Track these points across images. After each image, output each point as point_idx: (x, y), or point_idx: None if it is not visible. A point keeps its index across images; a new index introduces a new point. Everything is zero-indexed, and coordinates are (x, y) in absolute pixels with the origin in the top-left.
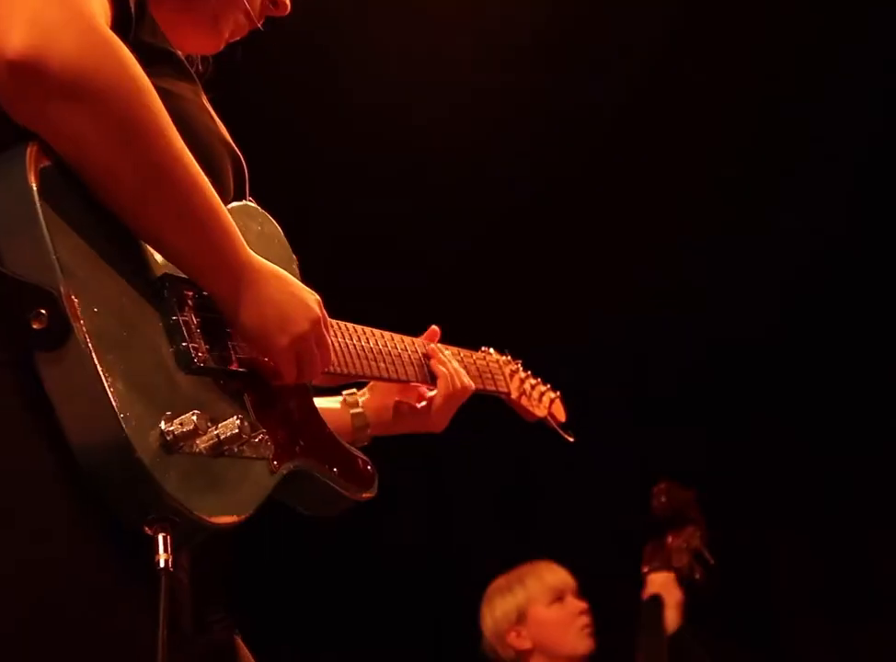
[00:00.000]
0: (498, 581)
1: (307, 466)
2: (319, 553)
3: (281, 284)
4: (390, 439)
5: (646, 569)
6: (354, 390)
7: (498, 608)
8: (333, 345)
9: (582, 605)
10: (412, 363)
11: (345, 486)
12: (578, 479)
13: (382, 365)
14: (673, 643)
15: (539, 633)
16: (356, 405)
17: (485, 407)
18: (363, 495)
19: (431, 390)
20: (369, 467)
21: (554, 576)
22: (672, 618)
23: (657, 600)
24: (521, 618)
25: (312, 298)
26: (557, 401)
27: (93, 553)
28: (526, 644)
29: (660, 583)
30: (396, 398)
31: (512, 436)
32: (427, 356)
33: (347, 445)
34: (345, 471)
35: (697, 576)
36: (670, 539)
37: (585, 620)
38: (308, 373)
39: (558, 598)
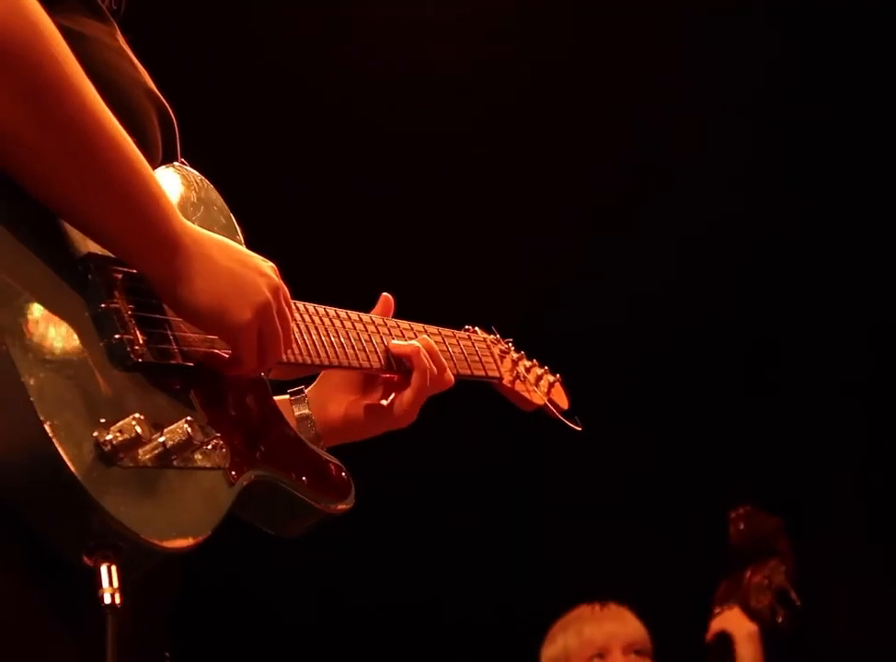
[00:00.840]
0: (555, 624)
1: (271, 475)
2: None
3: (229, 252)
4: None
5: (718, 610)
6: (301, 388)
7: (544, 655)
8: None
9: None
10: (375, 348)
11: (316, 498)
12: (629, 494)
13: (349, 351)
14: None
15: None
16: (303, 406)
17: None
18: (338, 506)
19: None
20: (343, 474)
21: (595, 629)
22: (745, 655)
23: (725, 640)
24: None
25: (266, 265)
26: (558, 385)
27: (17, 588)
28: None
29: (731, 620)
30: (352, 396)
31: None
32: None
33: (316, 448)
34: (316, 479)
35: (780, 620)
36: (748, 574)
37: None
38: (271, 356)
39: (599, 654)
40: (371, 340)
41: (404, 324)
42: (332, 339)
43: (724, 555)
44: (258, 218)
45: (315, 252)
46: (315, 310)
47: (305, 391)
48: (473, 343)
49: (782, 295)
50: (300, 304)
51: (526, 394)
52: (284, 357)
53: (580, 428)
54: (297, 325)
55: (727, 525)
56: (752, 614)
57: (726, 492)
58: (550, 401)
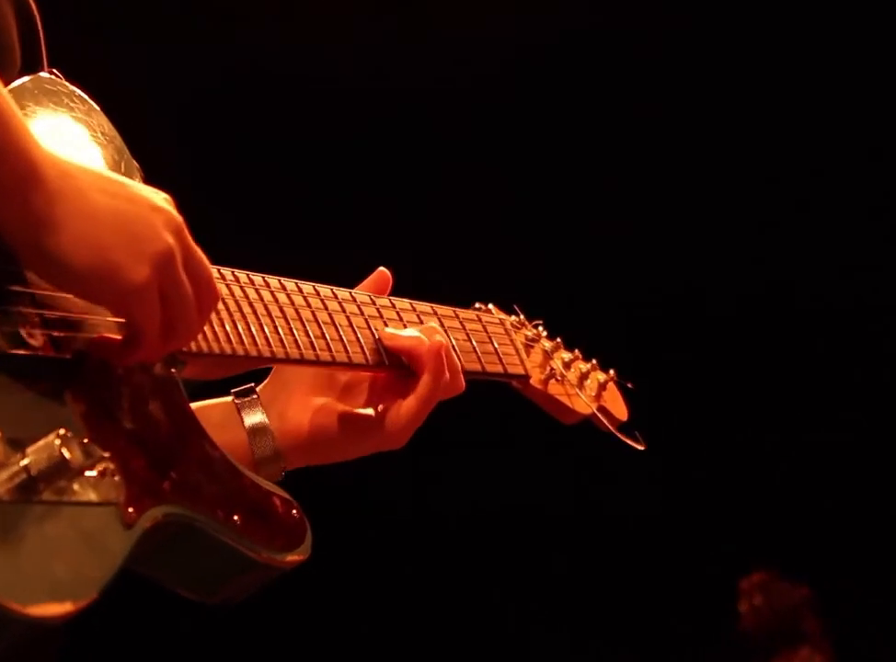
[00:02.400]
0: None
1: (186, 514)
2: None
3: (111, 186)
4: None
5: None
6: (251, 386)
7: None
8: (223, 305)
9: None
10: (356, 335)
11: (254, 545)
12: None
13: (315, 340)
14: None
15: None
16: (258, 412)
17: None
18: (287, 557)
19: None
20: (294, 511)
21: None
22: None
23: None
24: None
25: (159, 197)
26: (612, 386)
27: None
28: None
29: None
30: (320, 398)
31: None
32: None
33: (253, 476)
34: (253, 519)
35: None
36: None
37: None
38: (181, 328)
39: None
40: (350, 324)
41: (402, 302)
42: (289, 323)
43: (732, 641)
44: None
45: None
46: (266, 282)
47: (257, 390)
48: (484, 326)
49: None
50: (241, 274)
51: (565, 400)
52: (207, 344)
53: (642, 447)
54: (232, 302)
55: (736, 599)
56: None
57: (735, 553)
58: (601, 409)
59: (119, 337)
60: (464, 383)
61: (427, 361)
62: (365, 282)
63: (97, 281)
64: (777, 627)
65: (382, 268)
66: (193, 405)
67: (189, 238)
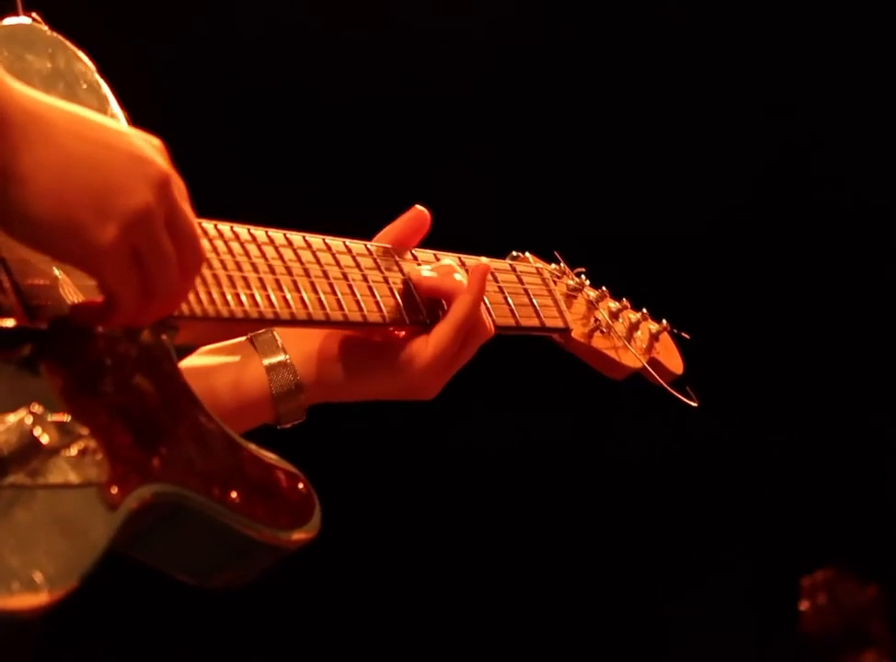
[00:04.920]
0: None
1: (177, 492)
2: None
3: (87, 129)
4: None
5: None
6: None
7: None
8: (220, 263)
9: None
10: (389, 291)
11: (254, 524)
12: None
13: (321, 297)
14: None
15: None
16: (276, 349)
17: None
18: (293, 535)
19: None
20: (300, 485)
21: None
22: None
23: None
24: None
25: (148, 145)
26: (665, 337)
27: None
28: None
29: None
30: (344, 333)
31: None
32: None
33: (252, 448)
34: (253, 495)
35: None
36: None
37: None
38: (161, 292)
39: None
40: (365, 280)
41: (425, 254)
42: (294, 281)
43: (795, 643)
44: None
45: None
46: (270, 238)
47: (275, 331)
48: (519, 276)
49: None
50: (241, 229)
51: (612, 354)
52: (201, 307)
53: (695, 404)
54: (230, 260)
55: (799, 598)
56: None
57: (800, 550)
58: (653, 362)
59: (98, 301)
60: (492, 326)
61: (470, 282)
62: (397, 223)
63: (62, 240)
64: (842, 629)
65: (418, 206)
66: (207, 348)
67: (175, 193)
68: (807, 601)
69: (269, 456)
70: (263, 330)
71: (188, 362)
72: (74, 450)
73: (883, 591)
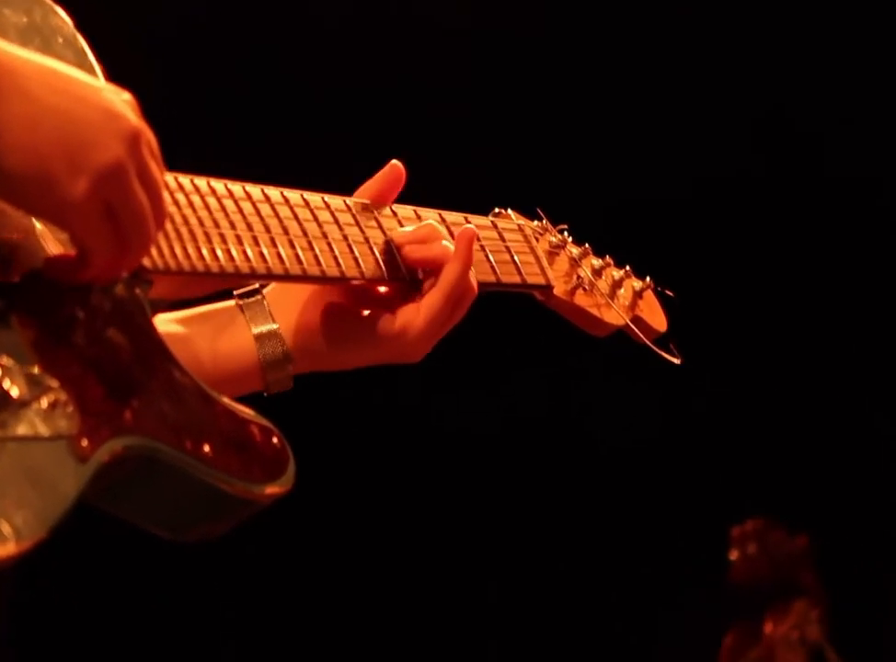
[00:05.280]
0: None
1: (148, 445)
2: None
3: (58, 82)
4: None
5: None
6: (255, 287)
7: None
8: (197, 219)
9: None
10: (350, 247)
11: (228, 477)
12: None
13: (298, 252)
14: None
15: None
16: (265, 318)
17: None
18: (267, 489)
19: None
20: (275, 439)
21: None
22: None
23: None
24: None
25: (119, 99)
26: (649, 294)
27: None
28: None
29: None
30: (332, 300)
31: None
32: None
33: (227, 402)
34: (226, 449)
35: None
36: (770, 625)
37: None
38: (135, 246)
39: None
40: (344, 237)
41: (405, 210)
42: (271, 236)
43: (725, 594)
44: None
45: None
46: (247, 193)
47: (263, 291)
48: (501, 233)
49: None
50: (218, 184)
51: (595, 311)
52: (176, 262)
53: (678, 361)
54: (207, 215)
55: (728, 548)
56: None
57: (728, 500)
58: (636, 320)
59: (71, 255)
60: (474, 287)
61: (457, 249)
62: (374, 179)
63: (34, 193)
64: (772, 578)
65: (395, 162)
66: (192, 311)
67: (145, 149)
68: (736, 551)
69: (243, 410)
70: (252, 298)
71: (174, 328)
72: (44, 403)
73: (813, 541)
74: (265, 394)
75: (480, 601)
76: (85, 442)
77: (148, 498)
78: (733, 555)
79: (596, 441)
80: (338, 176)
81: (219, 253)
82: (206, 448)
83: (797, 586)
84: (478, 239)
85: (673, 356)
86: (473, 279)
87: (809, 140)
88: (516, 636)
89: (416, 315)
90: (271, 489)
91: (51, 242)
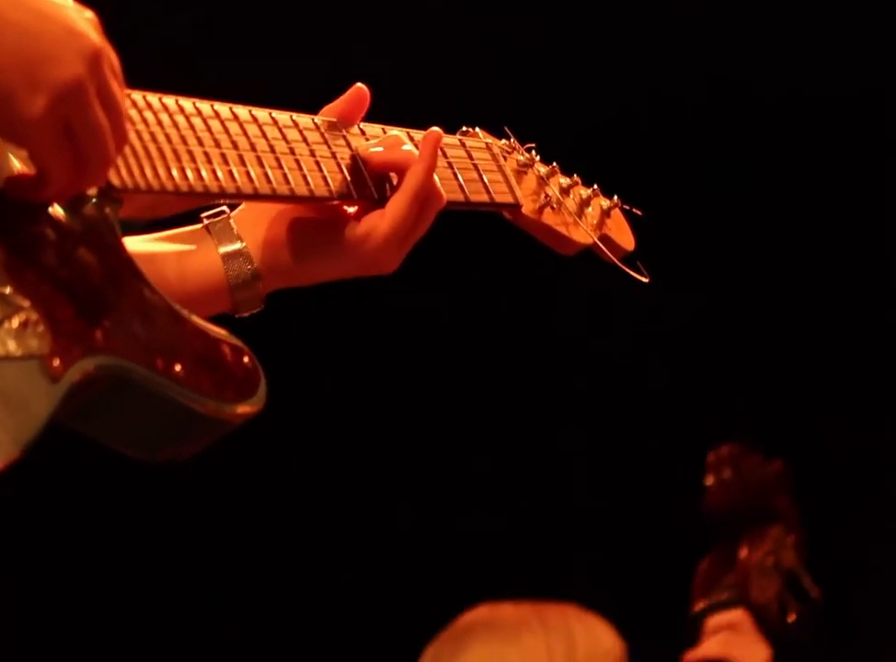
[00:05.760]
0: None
1: (119, 364)
2: None
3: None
4: None
5: (700, 607)
6: (223, 210)
7: (503, 647)
8: (165, 137)
9: None
10: (337, 166)
11: (199, 397)
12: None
13: (267, 171)
14: None
15: None
16: (232, 237)
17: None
18: (238, 408)
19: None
20: (246, 359)
21: (617, 650)
22: None
23: None
24: None
25: (81, 17)
26: (617, 213)
27: None
28: None
29: (729, 634)
30: (299, 216)
31: None
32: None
33: (197, 321)
34: (197, 368)
35: (792, 621)
36: (744, 551)
37: None
38: (94, 164)
39: None
40: (313, 154)
41: (372, 128)
42: (240, 155)
43: (700, 520)
44: None
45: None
46: (215, 112)
47: (229, 213)
48: (469, 152)
49: None
50: (186, 102)
51: (563, 230)
52: (145, 181)
53: (646, 280)
54: (175, 133)
55: (703, 474)
56: (755, 612)
57: (703, 425)
58: (604, 238)
59: (30, 174)
60: (444, 196)
61: (422, 151)
62: (339, 101)
63: None
64: (747, 504)
65: (359, 85)
66: (162, 234)
67: (106, 68)
68: (711, 476)
69: (215, 330)
70: (219, 218)
71: (142, 248)
72: (15, 323)
73: (788, 466)
74: (235, 316)
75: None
76: (56, 362)
77: (119, 418)
78: (708, 481)
79: (570, 363)
80: (311, 99)
81: (188, 172)
82: (177, 367)
83: (772, 511)
84: (445, 155)
85: (641, 275)
86: (440, 186)
87: (781, 55)
88: (488, 556)
89: (380, 220)
90: (243, 409)
91: (21, 160)
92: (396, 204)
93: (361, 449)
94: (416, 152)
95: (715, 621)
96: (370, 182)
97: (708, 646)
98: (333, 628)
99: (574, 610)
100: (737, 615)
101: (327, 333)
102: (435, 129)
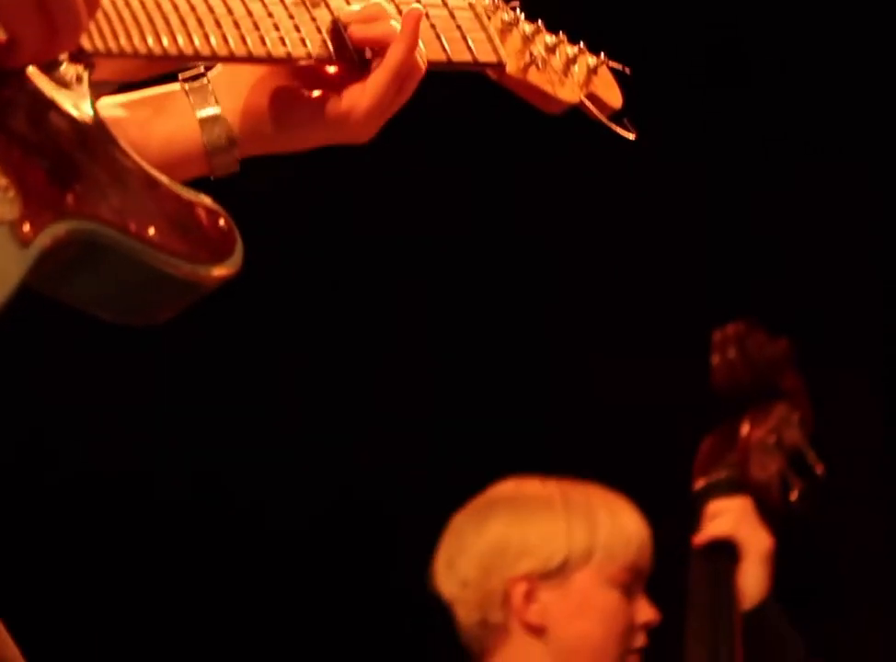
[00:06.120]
0: (516, 488)
1: (91, 228)
2: None
3: None
4: None
5: (701, 484)
6: (200, 71)
7: (523, 525)
8: (139, 1)
9: (654, 615)
10: (316, 28)
11: (173, 260)
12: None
13: (243, 33)
14: (753, 626)
15: (560, 622)
16: (209, 101)
17: None
18: (213, 271)
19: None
20: (221, 221)
21: (637, 533)
22: (752, 582)
23: (724, 551)
24: (559, 571)
25: None
26: (604, 70)
27: None
28: (536, 619)
29: (730, 515)
30: (280, 82)
31: None
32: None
33: (171, 184)
34: (171, 231)
35: (794, 498)
36: (746, 429)
37: (642, 641)
38: (66, 30)
39: (625, 584)
40: (291, 16)
41: None
42: (215, 17)
43: (706, 398)
44: None
45: None
46: None
47: (208, 76)
48: (451, 11)
49: None
50: None
51: (549, 88)
52: (117, 44)
53: (632, 136)
54: None
55: (709, 352)
56: (755, 491)
57: (709, 304)
58: (591, 96)
59: (2, 40)
60: (424, 67)
61: (403, 28)
62: None
63: None
64: (752, 382)
65: None
66: (136, 95)
67: None
68: (717, 355)
69: (190, 192)
70: (197, 81)
71: (115, 112)
72: None
73: (793, 344)
74: (211, 178)
75: None
76: (27, 227)
77: (93, 283)
78: (714, 360)
79: (569, 243)
80: None
81: (162, 35)
82: (151, 230)
83: (778, 389)
84: (428, 17)
85: (628, 131)
86: (419, 58)
87: None
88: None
89: (362, 95)
90: (218, 271)
91: None
92: (378, 80)
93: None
94: (398, 26)
95: (716, 505)
96: (350, 45)
97: (714, 526)
98: None
99: (599, 493)
100: (739, 502)
101: None
102: (416, 6)
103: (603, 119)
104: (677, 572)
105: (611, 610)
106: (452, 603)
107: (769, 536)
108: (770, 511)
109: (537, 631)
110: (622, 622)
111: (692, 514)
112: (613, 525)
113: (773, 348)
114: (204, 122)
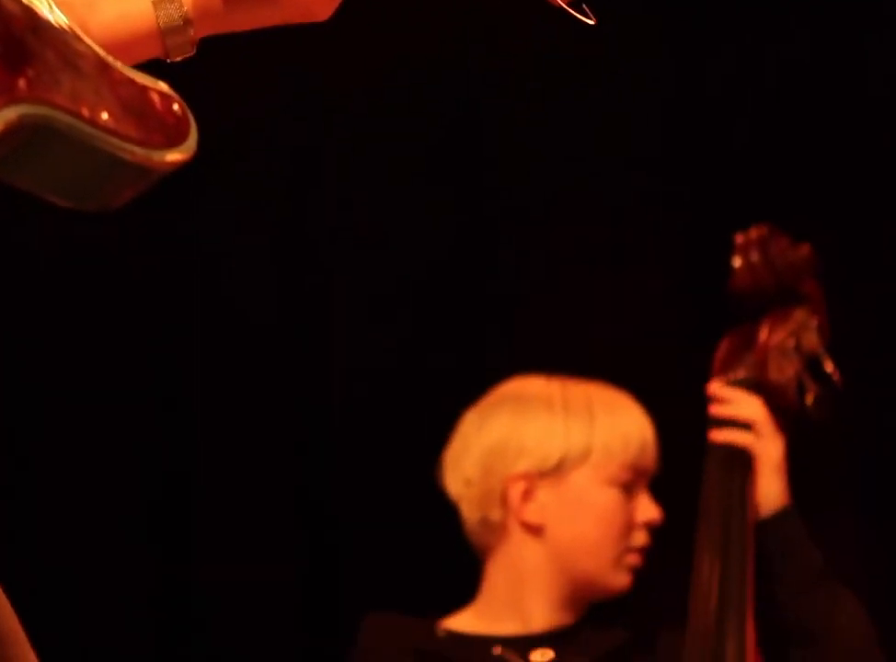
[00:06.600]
0: (517, 387)
1: (44, 113)
2: None
3: None
4: None
5: (717, 386)
6: None
7: (522, 424)
8: None
9: (655, 513)
10: None
11: (126, 144)
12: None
13: None
14: (768, 535)
15: (557, 521)
16: None
17: None
18: (167, 156)
19: None
20: (176, 106)
21: (638, 432)
22: (767, 490)
23: (736, 456)
24: (556, 470)
25: None
26: None
27: None
28: (534, 518)
29: (753, 428)
30: None
31: None
32: None
33: (124, 68)
34: (125, 115)
35: (810, 403)
36: (764, 332)
37: (643, 540)
38: None
39: (625, 483)
40: None
41: None
42: None
43: (725, 301)
44: None
45: None
46: None
47: None
48: None
49: None
50: None
51: None
52: None
53: (592, 22)
54: None
55: (730, 256)
56: (772, 392)
57: (730, 207)
58: None
59: None
60: None
61: None
62: None
63: None
64: (774, 285)
65: None
66: None
67: None
68: (739, 258)
69: (144, 77)
70: None
71: None
72: None
73: (816, 250)
74: (167, 61)
75: None
76: None
77: (46, 168)
78: (736, 262)
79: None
80: None
81: None
82: (104, 115)
83: (798, 294)
84: None
85: (587, 17)
86: None
87: None
88: None
89: None
90: (172, 156)
91: None
92: None
93: None
94: None
95: (739, 407)
96: None
97: (734, 434)
98: None
99: (602, 392)
100: (758, 408)
101: None
102: None
103: (562, 4)
104: (691, 475)
105: (608, 509)
106: (457, 501)
107: (782, 439)
108: (785, 414)
109: (535, 530)
110: (620, 520)
111: (707, 414)
112: (611, 424)
113: (795, 253)
114: (158, 3)
